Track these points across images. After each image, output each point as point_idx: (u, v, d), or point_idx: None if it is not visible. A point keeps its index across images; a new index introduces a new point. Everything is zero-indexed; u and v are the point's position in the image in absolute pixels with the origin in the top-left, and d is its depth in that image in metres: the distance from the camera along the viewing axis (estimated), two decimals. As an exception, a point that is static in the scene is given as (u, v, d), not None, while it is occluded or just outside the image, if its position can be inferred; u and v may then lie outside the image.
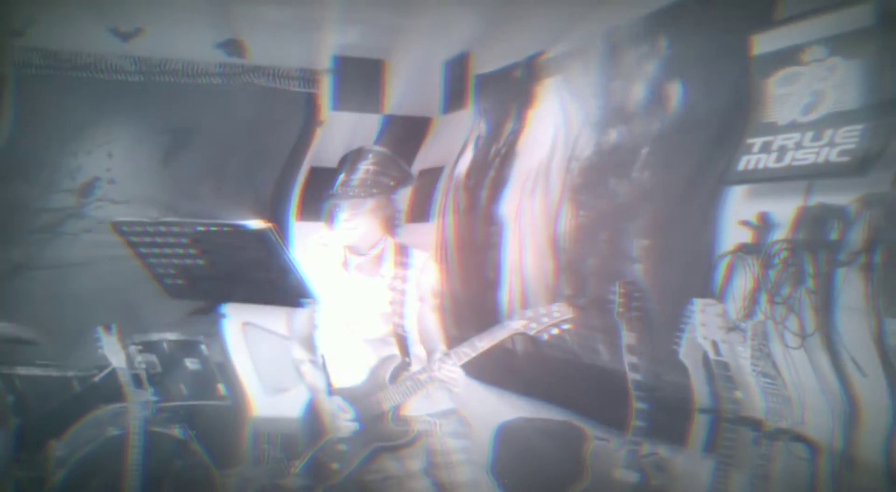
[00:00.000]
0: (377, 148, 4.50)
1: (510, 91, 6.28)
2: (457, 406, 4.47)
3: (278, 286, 3.79)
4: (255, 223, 3.57)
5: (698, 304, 3.91)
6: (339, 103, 7.42)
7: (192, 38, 6.81)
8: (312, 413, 4.47)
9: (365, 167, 4.31)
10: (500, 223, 6.15)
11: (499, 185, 6.21)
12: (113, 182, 7.00)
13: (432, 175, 7.04)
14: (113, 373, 5.15)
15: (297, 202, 7.53)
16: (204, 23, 6.66)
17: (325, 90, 7.44)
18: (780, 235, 3.91)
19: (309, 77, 7.39)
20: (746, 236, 4.05)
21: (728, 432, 3.83)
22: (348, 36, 7.04)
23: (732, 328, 3.89)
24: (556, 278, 5.54)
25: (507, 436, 5.32)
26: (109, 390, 5.47)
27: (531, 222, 5.81)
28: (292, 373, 4.63)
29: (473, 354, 4.17)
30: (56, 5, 6.33)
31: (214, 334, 3.98)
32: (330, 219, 4.37)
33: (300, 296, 3.85)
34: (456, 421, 4.46)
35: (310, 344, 4.52)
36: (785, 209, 3.88)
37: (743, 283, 4.06)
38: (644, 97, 4.99)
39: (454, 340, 4.34)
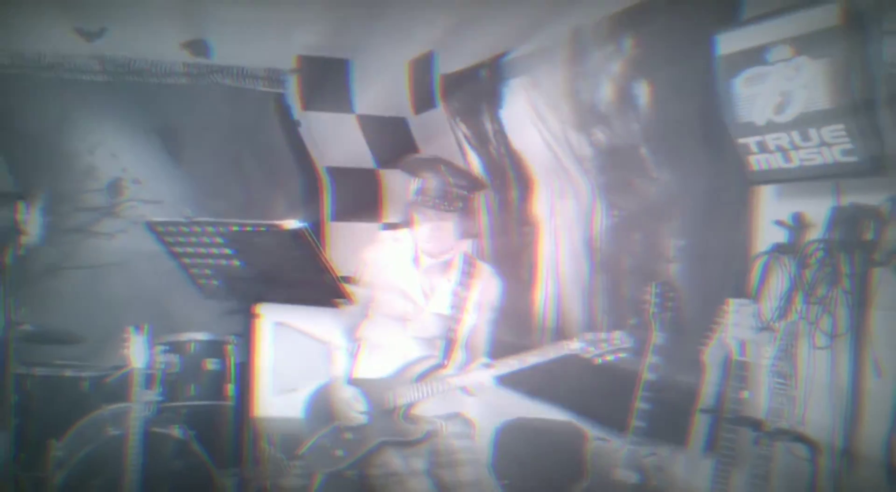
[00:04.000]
0: (451, 161, 4.56)
1: (477, 91, 6.33)
2: (462, 408, 4.57)
3: (313, 286, 3.82)
4: (289, 223, 3.59)
5: (733, 304, 3.96)
6: (308, 103, 7.47)
7: (158, 38, 6.81)
8: (322, 399, 4.54)
9: (444, 179, 4.34)
10: (534, 223, 6.16)
11: (524, 184, 6.21)
12: (137, 182, 7.04)
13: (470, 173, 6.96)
14: (127, 374, 5.15)
15: (329, 203, 7.65)
16: (169, 23, 6.65)
17: (292, 90, 7.51)
18: (814, 234, 3.94)
19: (274, 77, 7.45)
20: (781, 236, 4.08)
21: (728, 432, 3.89)
22: (313, 36, 7.07)
23: (764, 328, 3.95)
24: (592, 279, 5.56)
25: (507, 436, 5.37)
26: (117, 391, 5.50)
27: (565, 222, 5.82)
28: (305, 373, 4.75)
29: (518, 368, 4.24)
30: (20, 4, 6.31)
31: (246, 335, 4.03)
32: (410, 222, 4.45)
33: (334, 296, 3.86)
34: (461, 422, 4.57)
35: (351, 333, 4.61)
36: (818, 209, 3.91)
37: (778, 283, 4.09)
38: (613, 97, 5.06)
39: (506, 345, 4.43)
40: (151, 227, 3.83)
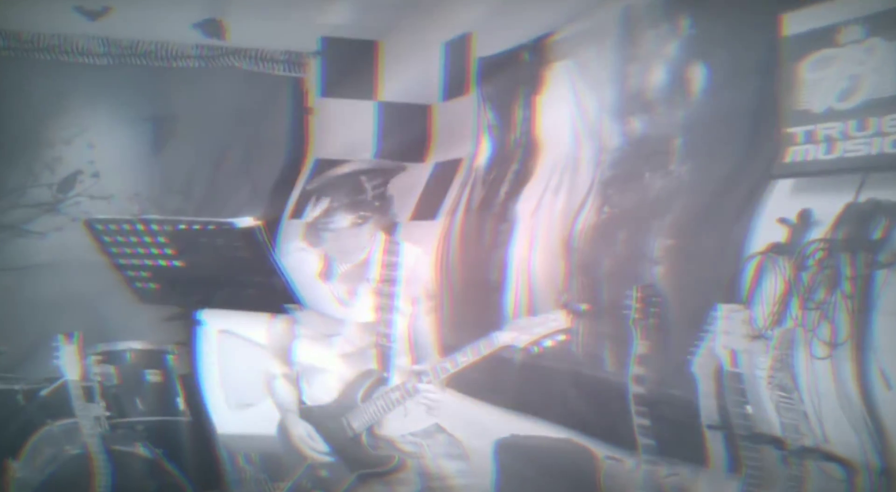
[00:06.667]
0: (365, 166, 4.37)
1: (516, 76, 6.15)
2: (440, 423, 4.35)
3: (261, 290, 3.66)
4: (243, 221, 3.44)
5: (723, 310, 3.80)
6: (328, 89, 7.39)
7: (167, 18, 6.73)
8: (283, 436, 4.36)
9: (362, 188, 4.14)
10: (512, 220, 6.02)
11: (521, 178, 6.05)
12: (97, 176, 6.93)
13: (449, 168, 6.94)
14: (63, 386, 5.00)
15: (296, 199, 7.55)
16: (180, 0, 6.58)
17: (313, 75, 7.40)
18: (818, 233, 3.81)
19: (295, 60, 7.33)
20: (782, 235, 3.95)
21: (750, 451, 3.73)
22: (338, 15, 6.98)
23: (757, 336, 3.81)
24: (566, 281, 5.40)
25: (508, 456, 5.13)
26: (57, 405, 5.33)
27: (547, 220, 5.68)
28: (259, 386, 4.53)
29: (453, 371, 4.04)
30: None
31: (187, 344, 3.87)
32: (316, 242, 4.24)
33: (284, 301, 3.71)
34: (446, 441, 4.34)
35: (286, 357, 4.38)
36: (832, 205, 3.76)
37: (773, 286, 3.96)
38: (664, 82, 4.87)
39: (450, 350, 4.18)
40: (90, 224, 3.69)
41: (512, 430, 5.31)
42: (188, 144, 7.10)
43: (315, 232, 4.17)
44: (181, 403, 5.82)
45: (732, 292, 4.10)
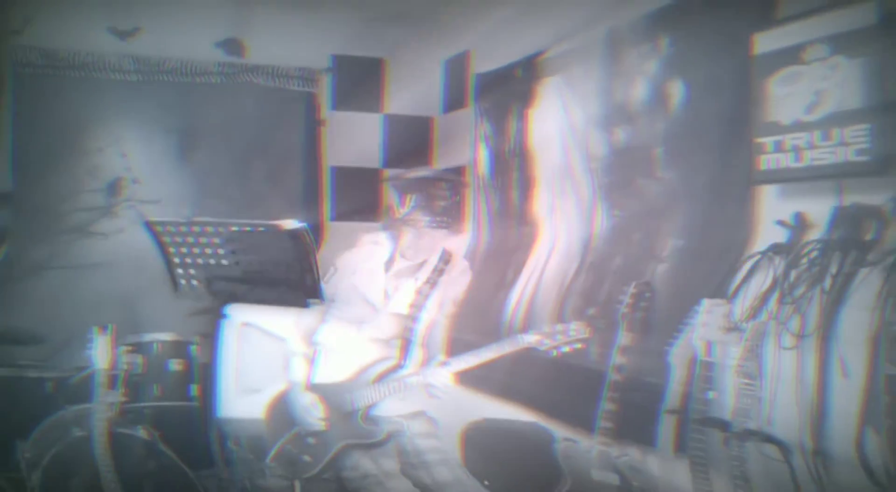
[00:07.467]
0: (442, 174, 4.57)
1: (510, 90, 6.35)
2: (425, 408, 4.51)
3: (293, 287, 3.84)
4: (290, 223, 3.62)
5: (706, 304, 3.93)
6: (338, 103, 7.54)
7: (191, 37, 6.89)
8: (282, 405, 4.52)
9: (439, 195, 4.31)
10: (533, 223, 6.16)
11: (526, 185, 6.24)
12: (136, 182, 7.04)
13: (458, 176, 6.98)
14: (90, 374, 5.05)
15: (329, 203, 7.66)
16: (203, 22, 6.75)
17: (324, 89, 7.55)
18: (815, 235, 3.93)
19: (308, 76, 7.48)
20: (782, 236, 4.07)
21: (696, 432, 3.86)
22: (347, 35, 7.14)
23: (732, 329, 3.91)
24: (573, 279, 5.57)
25: (473, 436, 5.30)
26: (80, 392, 5.44)
27: (565, 222, 5.82)
28: (269, 374, 4.67)
29: (475, 365, 4.20)
30: (54, 4, 6.41)
31: (212, 335, 4.08)
32: (398, 236, 4.41)
33: (310, 297, 3.89)
34: (424, 421, 4.52)
35: (310, 339, 4.56)
36: (820, 209, 3.90)
37: (760, 283, 4.10)
38: (646, 96, 5.04)
39: (453, 343, 4.38)
40: (150, 226, 3.88)
41: (488, 414, 5.49)
42: (213, 154, 7.23)
43: (399, 226, 4.33)
44: (194, 389, 5.95)
45: (724, 288, 4.22)
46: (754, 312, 4.04)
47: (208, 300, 3.99)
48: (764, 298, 4.03)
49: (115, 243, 6.88)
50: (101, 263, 6.84)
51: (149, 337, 5.97)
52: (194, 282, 3.96)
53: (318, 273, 3.77)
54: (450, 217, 4.31)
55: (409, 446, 4.41)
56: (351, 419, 4.39)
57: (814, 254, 3.87)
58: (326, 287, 4.43)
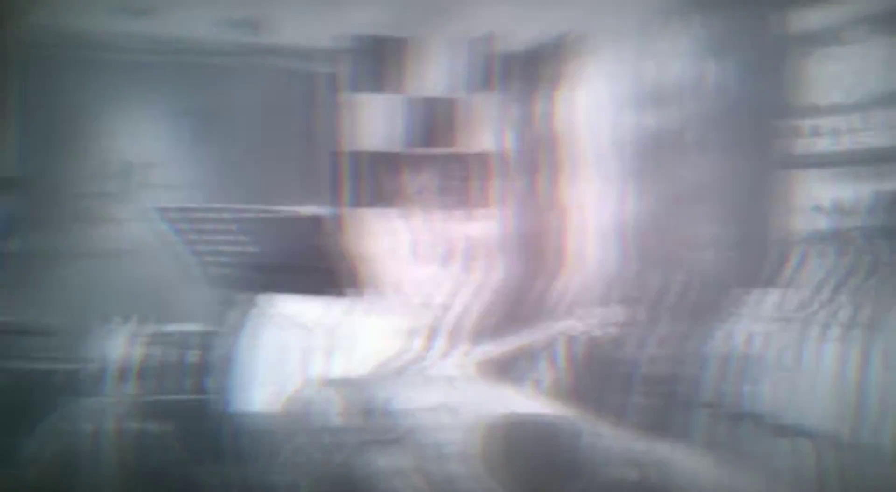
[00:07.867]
0: (453, 153, 4.48)
1: (537, 72, 6.29)
2: (447, 400, 4.51)
3: (325, 276, 3.80)
4: (310, 209, 3.65)
5: (752, 294, 3.96)
6: (358, 84, 7.40)
7: (206, 16, 6.71)
8: (299, 400, 4.56)
9: (453, 174, 4.27)
10: (561, 208, 6.04)
11: (554, 169, 6.10)
12: (149, 166, 6.97)
13: (482, 160, 6.98)
14: (103, 365, 5.15)
15: (355, 189, 7.53)
16: (219, 1, 6.57)
17: (344, 70, 7.41)
18: (855, 221, 3.84)
19: (327, 57, 7.34)
20: (820, 223, 4.00)
21: (729, 427, 3.89)
22: (369, 13, 6.93)
23: (780, 319, 3.90)
24: (605, 266, 5.48)
25: (495, 430, 5.04)
26: (93, 384, 5.44)
27: (595, 208, 5.73)
28: (287, 367, 4.69)
29: (501, 354, 4.24)
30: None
31: (237, 326, 4.03)
32: (413, 216, 4.42)
33: (347, 286, 3.86)
34: (445, 415, 4.50)
35: (335, 331, 4.55)
36: (859, 195, 3.81)
37: (806, 272, 4.02)
38: (678, 77, 5.00)
39: (498, 331, 4.39)
40: (163, 213, 3.87)
41: (509, 405, 5.34)
42: (230, 137, 7.12)
43: (411, 206, 4.36)
44: (210, 382, 5.86)
45: (772, 278, 4.14)
46: (804, 303, 3.94)
47: (226, 289, 3.96)
48: (817, 288, 3.93)
49: (128, 231, 6.77)
50: (115, 252, 6.74)
51: (169, 328, 5.92)
52: (222, 270, 3.94)
53: (347, 262, 3.73)
54: (462, 197, 4.19)
55: (428, 440, 4.34)
56: (369, 415, 4.34)
57: (860, 242, 3.78)
58: (353, 277, 4.35)
